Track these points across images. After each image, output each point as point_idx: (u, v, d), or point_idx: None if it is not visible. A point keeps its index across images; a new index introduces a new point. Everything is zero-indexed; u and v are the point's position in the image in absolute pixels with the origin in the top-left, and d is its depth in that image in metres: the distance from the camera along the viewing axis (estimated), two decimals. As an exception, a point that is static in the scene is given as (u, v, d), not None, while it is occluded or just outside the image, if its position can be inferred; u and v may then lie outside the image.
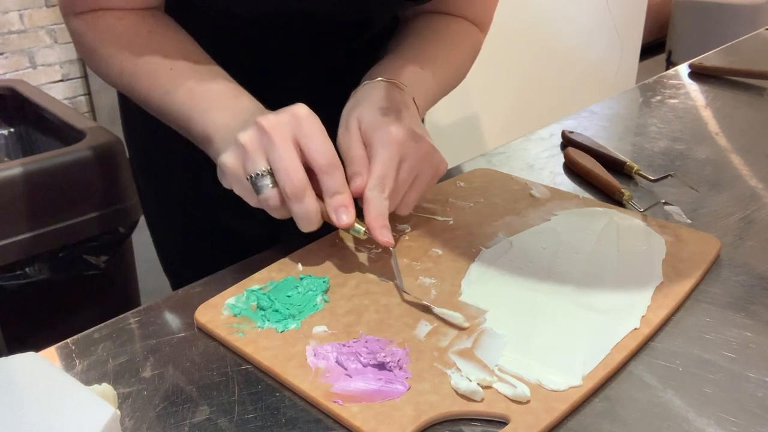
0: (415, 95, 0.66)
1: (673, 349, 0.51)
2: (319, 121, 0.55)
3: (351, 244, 0.64)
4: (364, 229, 0.57)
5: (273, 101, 0.60)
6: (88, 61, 0.66)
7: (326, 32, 0.74)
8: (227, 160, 0.55)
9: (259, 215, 0.83)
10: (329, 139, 0.55)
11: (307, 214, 0.54)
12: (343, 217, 0.55)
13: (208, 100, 0.59)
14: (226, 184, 0.57)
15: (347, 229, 0.57)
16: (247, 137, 0.53)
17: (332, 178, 0.54)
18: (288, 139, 0.53)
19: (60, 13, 0.66)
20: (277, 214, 0.56)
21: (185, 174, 0.79)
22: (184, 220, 0.83)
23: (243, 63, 0.66)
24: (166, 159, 0.80)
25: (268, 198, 0.54)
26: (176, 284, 0.87)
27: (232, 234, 0.80)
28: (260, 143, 0.53)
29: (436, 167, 0.61)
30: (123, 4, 0.63)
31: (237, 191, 0.56)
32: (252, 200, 0.56)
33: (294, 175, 0.52)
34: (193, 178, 0.78)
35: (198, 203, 0.81)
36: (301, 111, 0.54)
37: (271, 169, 0.53)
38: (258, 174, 0.53)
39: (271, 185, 0.54)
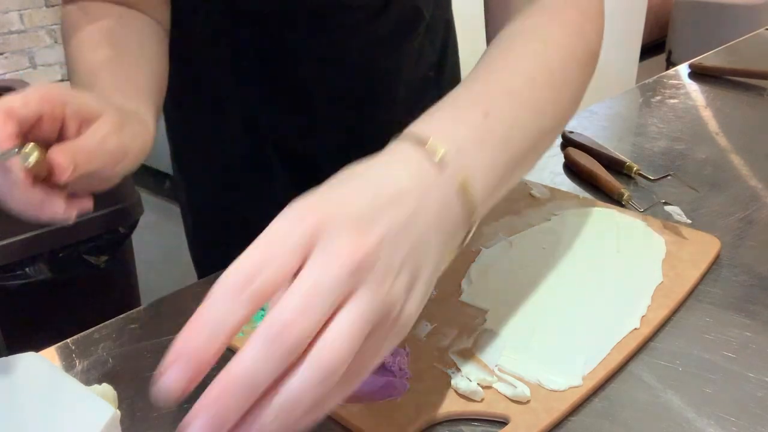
0: (468, 173, 0.38)
1: (673, 349, 0.51)
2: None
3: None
4: (31, 145, 0.40)
5: (287, 92, 0.56)
6: (64, 47, 0.63)
7: (340, 21, 0.73)
8: None
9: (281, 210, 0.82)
10: None
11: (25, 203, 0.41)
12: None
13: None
14: None
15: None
16: None
17: None
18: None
19: (60, 13, 0.66)
20: None
21: (216, 165, 0.79)
22: (213, 212, 0.84)
23: (256, 54, 0.65)
24: (199, 150, 0.80)
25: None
26: (202, 275, 0.87)
27: (255, 228, 0.81)
28: None
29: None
30: None
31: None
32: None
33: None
34: (228, 169, 0.78)
35: (231, 194, 0.81)
36: None
37: None
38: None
39: None
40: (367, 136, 0.78)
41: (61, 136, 0.42)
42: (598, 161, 0.79)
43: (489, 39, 0.55)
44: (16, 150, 0.40)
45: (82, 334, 0.55)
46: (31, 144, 0.40)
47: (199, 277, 0.88)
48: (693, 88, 1.08)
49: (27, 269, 1.30)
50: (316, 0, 0.69)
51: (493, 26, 0.55)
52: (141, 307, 0.58)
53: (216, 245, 0.85)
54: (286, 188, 0.79)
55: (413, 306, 0.33)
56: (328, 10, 0.71)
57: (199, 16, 0.65)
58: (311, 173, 0.78)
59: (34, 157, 0.40)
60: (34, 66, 2.57)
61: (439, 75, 0.84)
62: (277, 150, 0.75)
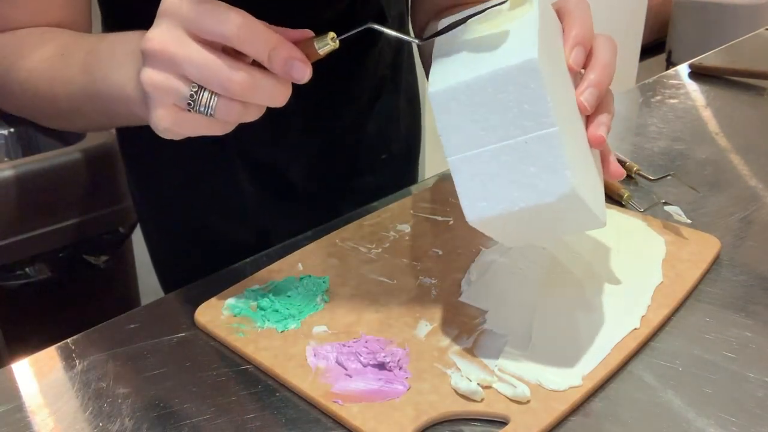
0: None
1: (673, 349, 0.51)
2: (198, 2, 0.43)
3: (351, 244, 0.64)
4: (331, 35, 0.46)
5: None
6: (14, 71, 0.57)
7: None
8: (155, 113, 0.45)
9: (250, 220, 0.83)
10: (224, 7, 0.42)
11: (269, 92, 0.44)
12: (295, 72, 0.44)
13: (103, 64, 0.50)
14: (176, 136, 0.47)
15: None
16: (147, 76, 0.43)
17: (254, 40, 0.42)
18: (183, 40, 0.43)
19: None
20: (248, 115, 0.46)
21: (177, 177, 0.79)
22: (176, 224, 0.83)
23: None
24: (159, 162, 0.79)
25: (227, 110, 0.44)
26: (167, 288, 0.86)
27: (222, 239, 0.80)
28: (164, 69, 0.43)
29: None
30: (29, 21, 0.59)
31: (198, 131, 0.47)
32: (217, 128, 0.46)
33: (219, 68, 0.42)
34: (185, 182, 0.78)
35: (189, 207, 0.80)
36: (170, 6, 0.43)
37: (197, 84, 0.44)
38: (192, 96, 0.43)
39: (213, 96, 0.44)
40: (331, 137, 0.78)
41: None
42: (598, 161, 0.79)
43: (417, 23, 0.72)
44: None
45: (82, 334, 0.55)
46: (332, 34, 0.45)
47: (164, 288, 0.87)
48: (693, 88, 1.08)
49: (27, 269, 1.30)
50: (283, 10, 0.69)
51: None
52: (141, 307, 0.59)
53: (180, 256, 0.84)
54: (253, 199, 0.78)
55: None
56: (296, 19, 0.70)
57: None
58: (278, 182, 0.78)
59: (329, 47, 0.46)
60: (34, 66, 2.56)
61: (395, 73, 0.84)
62: (242, 159, 0.75)
